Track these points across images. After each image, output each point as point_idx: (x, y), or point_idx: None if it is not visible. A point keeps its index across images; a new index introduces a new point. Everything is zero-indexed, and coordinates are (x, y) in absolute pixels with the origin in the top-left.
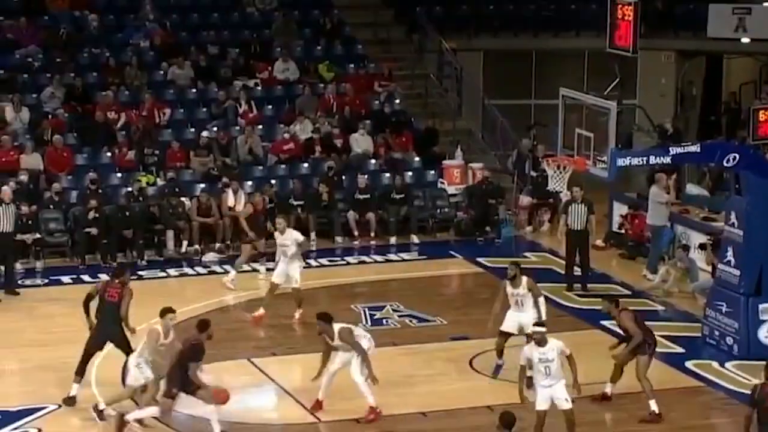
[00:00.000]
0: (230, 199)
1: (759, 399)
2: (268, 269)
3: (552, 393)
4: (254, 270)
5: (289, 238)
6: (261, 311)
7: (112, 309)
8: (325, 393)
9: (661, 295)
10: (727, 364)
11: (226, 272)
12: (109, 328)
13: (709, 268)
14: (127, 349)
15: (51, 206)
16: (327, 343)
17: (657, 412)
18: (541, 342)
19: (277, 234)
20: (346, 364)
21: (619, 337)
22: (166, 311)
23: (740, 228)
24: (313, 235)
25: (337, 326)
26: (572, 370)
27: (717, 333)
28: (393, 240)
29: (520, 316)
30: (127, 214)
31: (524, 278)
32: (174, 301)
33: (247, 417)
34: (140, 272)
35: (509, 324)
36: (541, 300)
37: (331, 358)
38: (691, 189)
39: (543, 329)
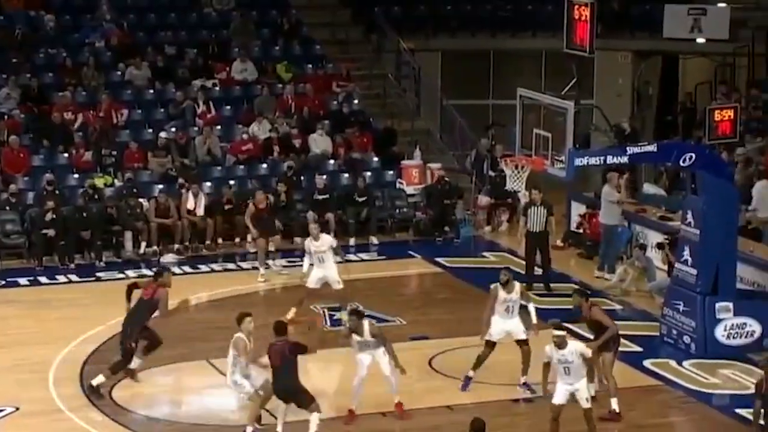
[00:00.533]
0: (190, 202)
1: (766, 392)
2: (266, 268)
3: (572, 391)
4: (255, 268)
5: (325, 244)
6: (290, 314)
7: (144, 305)
8: (357, 401)
9: (619, 295)
10: (685, 363)
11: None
12: (135, 319)
13: (666, 267)
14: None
15: (7, 207)
16: (354, 341)
17: (617, 411)
18: (561, 345)
19: (310, 240)
20: (371, 366)
21: (582, 337)
22: (243, 316)
23: (697, 227)
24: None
25: (365, 322)
26: (588, 370)
27: (674, 332)
28: (352, 241)
29: (507, 323)
30: (85, 215)
31: (517, 284)
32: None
33: (207, 418)
34: (98, 273)
35: (496, 332)
36: (532, 305)
37: (359, 361)
38: (648, 188)
39: (562, 333)
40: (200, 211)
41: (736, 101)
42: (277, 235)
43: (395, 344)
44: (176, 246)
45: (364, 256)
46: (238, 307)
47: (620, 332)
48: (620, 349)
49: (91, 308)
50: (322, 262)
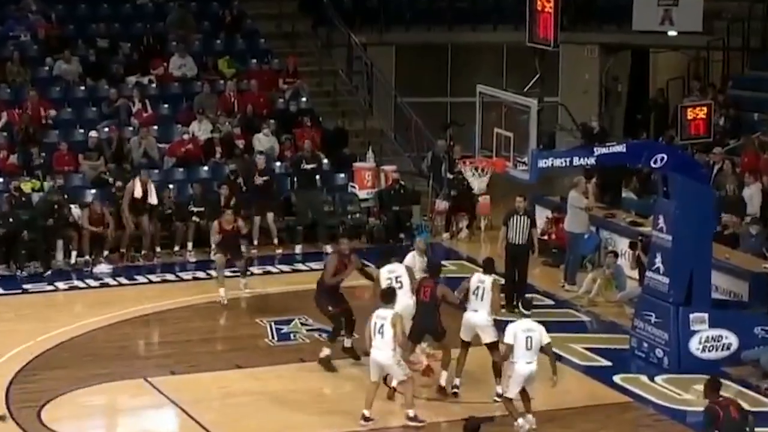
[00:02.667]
0: (137, 190)
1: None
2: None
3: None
4: (195, 278)
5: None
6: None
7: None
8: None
9: (586, 305)
10: (657, 378)
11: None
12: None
13: (637, 272)
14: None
15: None
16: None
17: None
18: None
19: None
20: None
21: None
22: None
23: (669, 233)
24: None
25: None
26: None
27: (646, 345)
28: (299, 248)
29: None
30: (11, 221)
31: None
32: (63, 315)
33: None
34: (25, 285)
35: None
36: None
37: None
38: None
39: None
40: (153, 200)
41: (712, 98)
42: (241, 260)
43: (346, 360)
44: (105, 253)
45: (313, 264)
46: (179, 321)
47: (588, 346)
48: (588, 363)
49: (16, 323)
50: None
